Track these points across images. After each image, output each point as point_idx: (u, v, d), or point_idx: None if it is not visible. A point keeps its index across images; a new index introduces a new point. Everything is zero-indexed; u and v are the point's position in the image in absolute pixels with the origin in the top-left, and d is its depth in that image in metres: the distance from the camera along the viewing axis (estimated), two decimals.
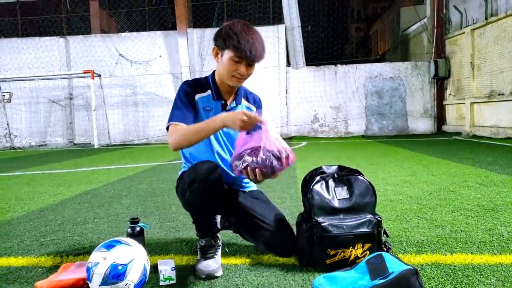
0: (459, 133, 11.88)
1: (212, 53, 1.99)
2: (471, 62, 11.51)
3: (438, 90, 13.26)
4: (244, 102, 2.11)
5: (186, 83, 2.01)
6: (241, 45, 1.83)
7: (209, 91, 2.02)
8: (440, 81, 13.19)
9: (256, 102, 2.17)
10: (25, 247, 2.39)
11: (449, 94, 13.02)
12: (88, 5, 15.13)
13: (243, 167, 1.72)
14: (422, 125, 13.41)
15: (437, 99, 13.27)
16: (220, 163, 2.02)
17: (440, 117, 13.31)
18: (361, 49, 26.39)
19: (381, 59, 19.31)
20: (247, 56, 1.85)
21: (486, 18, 10.77)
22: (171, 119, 1.90)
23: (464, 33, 11.85)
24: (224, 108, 2.02)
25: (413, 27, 15.36)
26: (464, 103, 11.93)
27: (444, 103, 13.25)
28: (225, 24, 1.94)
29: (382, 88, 13.49)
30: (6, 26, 14.79)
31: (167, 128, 1.90)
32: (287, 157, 1.70)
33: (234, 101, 2.06)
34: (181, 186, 1.94)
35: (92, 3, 15.08)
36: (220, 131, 1.96)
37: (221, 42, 1.89)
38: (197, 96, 1.98)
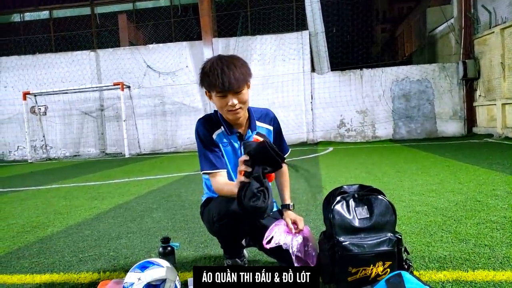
0: (490, 135, 11.61)
1: (206, 96, 2.04)
2: (501, 62, 11.25)
3: (468, 92, 12.99)
4: (259, 124, 2.13)
5: (201, 123, 2.05)
6: (212, 81, 1.86)
7: (222, 128, 2.05)
8: (469, 82, 12.92)
9: (272, 120, 2.19)
10: (66, 263, 2.56)
11: (479, 95, 12.74)
12: (117, 19, 15.66)
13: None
14: (452, 127, 13.17)
15: (466, 101, 13.01)
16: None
17: (470, 119, 13.03)
18: (387, 51, 26.09)
19: (407, 61, 19.07)
20: (222, 88, 1.85)
21: None
22: (203, 167, 2.00)
23: (493, 32, 11.59)
24: (240, 138, 2.06)
25: (440, 28, 15.12)
26: (495, 104, 11.66)
27: (474, 105, 12.97)
28: (201, 66, 1.98)
29: (409, 91, 13.33)
30: (40, 42, 15.46)
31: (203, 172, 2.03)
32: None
33: (249, 129, 2.08)
34: (209, 217, 2.01)
35: (121, 16, 15.60)
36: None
37: (202, 84, 1.96)
38: (214, 135, 2.03)
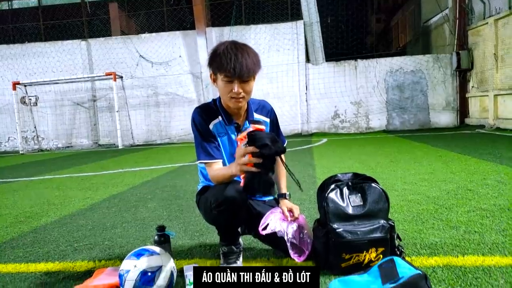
0: (482, 126, 11.71)
1: (210, 79, 2.02)
2: (494, 53, 11.30)
3: (461, 83, 13.06)
4: (257, 116, 2.12)
5: (197, 112, 2.04)
6: (223, 64, 1.84)
7: (220, 117, 2.04)
8: (462, 73, 12.99)
9: (269, 112, 2.20)
10: (61, 252, 2.56)
11: (472, 87, 12.82)
12: (108, 8, 15.48)
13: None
14: (445, 118, 13.26)
15: (459, 92, 13.10)
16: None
17: (462, 110, 13.13)
18: (382, 41, 26.09)
19: (402, 51, 19.09)
20: (233, 74, 1.84)
21: (510, 8, 10.55)
22: (200, 157, 2.00)
23: (487, 23, 11.62)
24: (238, 130, 2.06)
25: (435, 19, 15.12)
26: (487, 95, 11.74)
27: (466, 96, 13.06)
28: (213, 47, 1.97)
29: (403, 82, 13.38)
30: (29, 31, 15.24)
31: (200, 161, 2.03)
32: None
33: (247, 120, 2.07)
34: (206, 204, 2.00)
35: (112, 5, 15.43)
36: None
37: (210, 66, 1.94)
38: (211, 125, 2.02)
